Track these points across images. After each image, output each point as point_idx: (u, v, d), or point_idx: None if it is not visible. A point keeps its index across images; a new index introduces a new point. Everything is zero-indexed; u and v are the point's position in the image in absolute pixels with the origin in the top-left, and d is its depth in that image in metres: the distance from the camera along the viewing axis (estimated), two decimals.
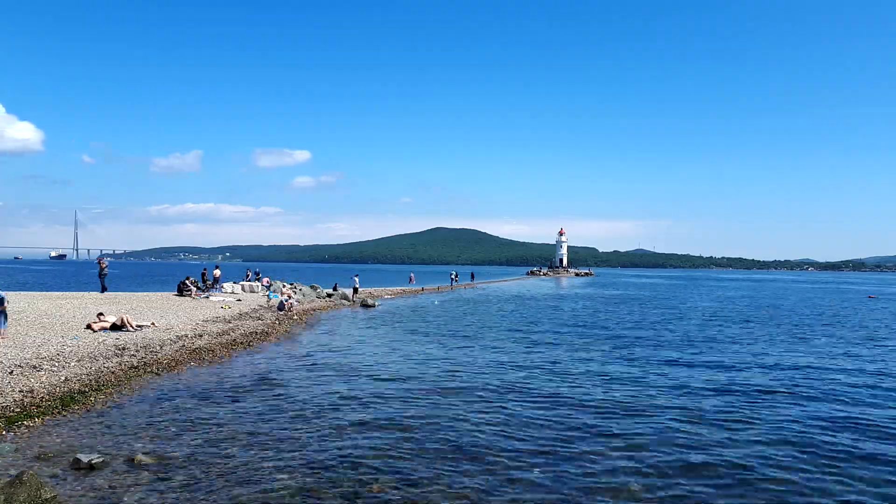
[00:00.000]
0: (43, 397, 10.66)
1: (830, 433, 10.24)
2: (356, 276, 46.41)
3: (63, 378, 11.95)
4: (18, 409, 9.91)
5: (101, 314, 19.14)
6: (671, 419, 10.96)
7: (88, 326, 18.22)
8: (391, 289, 55.83)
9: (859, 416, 11.49)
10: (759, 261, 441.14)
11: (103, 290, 32.54)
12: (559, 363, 16.99)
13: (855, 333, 25.88)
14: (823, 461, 8.80)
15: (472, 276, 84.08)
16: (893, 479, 8.15)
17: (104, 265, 34.65)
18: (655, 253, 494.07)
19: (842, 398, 12.97)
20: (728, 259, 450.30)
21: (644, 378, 14.91)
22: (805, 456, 9.03)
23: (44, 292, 32.25)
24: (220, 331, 20.35)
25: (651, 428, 10.36)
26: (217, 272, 40.28)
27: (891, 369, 16.75)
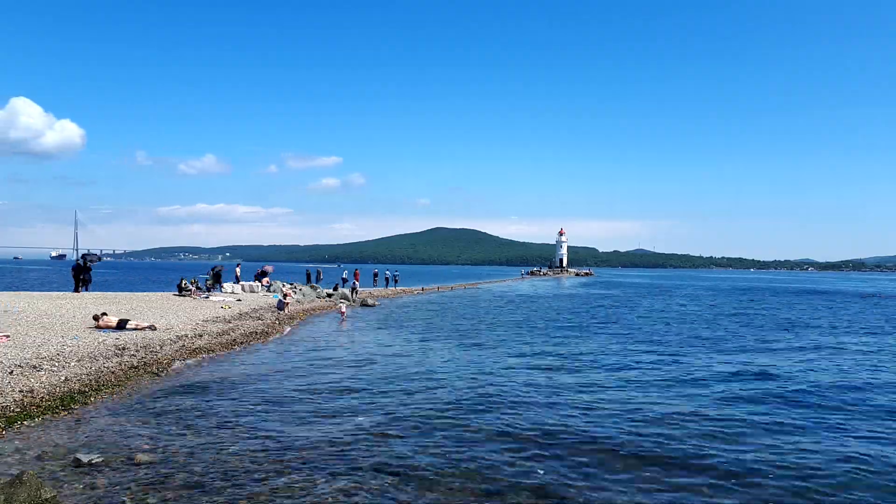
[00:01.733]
0: (43, 397, 10.66)
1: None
2: (352, 273, 46.39)
3: (63, 378, 11.95)
4: (18, 409, 9.91)
5: (104, 314, 19.10)
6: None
7: (95, 318, 18.32)
8: (391, 289, 55.83)
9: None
10: (759, 261, 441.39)
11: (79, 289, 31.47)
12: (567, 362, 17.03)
13: None
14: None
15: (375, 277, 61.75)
16: None
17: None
18: (655, 253, 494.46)
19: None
20: (728, 259, 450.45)
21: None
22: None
23: (44, 292, 32.22)
24: (220, 331, 20.35)
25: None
26: (219, 269, 40.17)
27: None
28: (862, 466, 8.56)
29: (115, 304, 25.54)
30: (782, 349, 20.63)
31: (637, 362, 17.33)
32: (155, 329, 19.45)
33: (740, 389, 13.65)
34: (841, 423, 10.85)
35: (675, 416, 11.15)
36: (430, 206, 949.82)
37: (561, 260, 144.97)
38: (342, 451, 8.83)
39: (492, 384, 13.90)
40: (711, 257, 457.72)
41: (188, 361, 15.36)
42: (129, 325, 18.52)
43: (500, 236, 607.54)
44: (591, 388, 13.60)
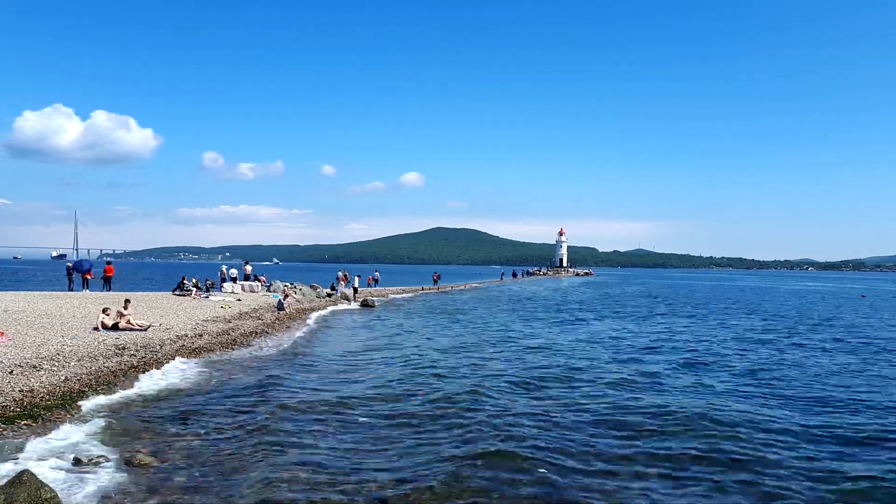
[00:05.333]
0: (43, 397, 10.65)
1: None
2: (357, 276, 46.29)
3: (63, 378, 11.94)
4: (18, 409, 9.90)
5: (106, 308, 19.02)
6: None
7: (104, 324, 18.26)
8: (390, 288, 55.86)
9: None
10: (759, 261, 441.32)
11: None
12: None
13: None
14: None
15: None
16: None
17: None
18: (655, 253, 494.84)
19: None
20: (728, 259, 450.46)
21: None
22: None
23: (44, 292, 32.19)
24: (220, 330, 20.34)
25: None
26: (234, 272, 40.43)
27: None
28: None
29: (115, 304, 25.49)
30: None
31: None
32: (154, 326, 19.46)
33: None
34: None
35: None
36: (467, 208, 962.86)
37: (561, 260, 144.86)
38: (343, 451, 8.82)
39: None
40: (711, 257, 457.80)
41: (188, 362, 15.32)
42: (129, 325, 18.51)
43: (500, 236, 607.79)
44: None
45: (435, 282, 63.47)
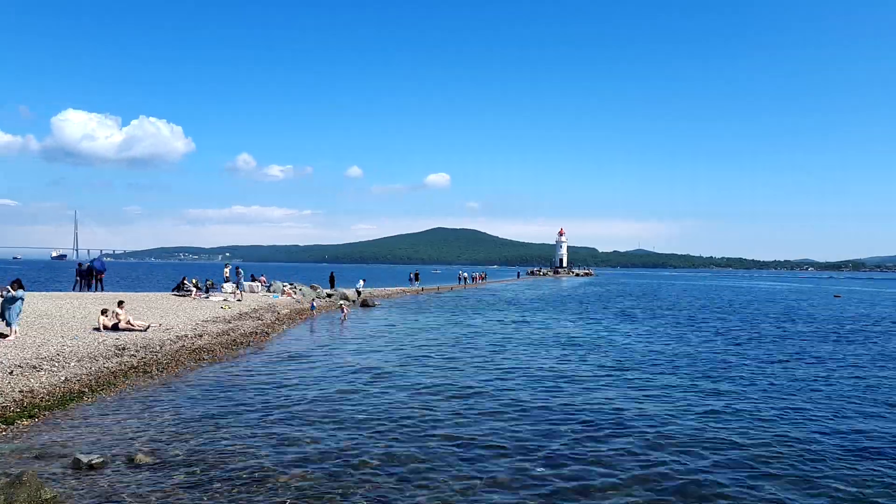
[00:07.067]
0: (43, 397, 10.66)
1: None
2: (363, 279, 46.68)
3: (63, 378, 11.95)
4: (18, 409, 9.91)
5: (105, 310, 18.98)
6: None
7: (105, 325, 18.22)
8: (391, 289, 55.86)
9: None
10: (758, 261, 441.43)
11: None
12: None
13: None
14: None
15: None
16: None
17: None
18: (655, 253, 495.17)
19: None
20: (728, 259, 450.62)
21: None
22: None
23: (44, 292, 32.17)
24: (220, 331, 20.34)
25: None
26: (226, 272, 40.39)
27: None
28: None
29: (115, 304, 25.48)
30: None
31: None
32: (154, 326, 19.44)
33: None
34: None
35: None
36: (478, 208, 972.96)
37: (561, 260, 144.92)
38: (343, 451, 8.82)
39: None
40: (711, 257, 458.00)
41: (188, 362, 15.33)
42: (129, 325, 18.50)
43: (500, 236, 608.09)
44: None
45: (482, 279, 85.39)
